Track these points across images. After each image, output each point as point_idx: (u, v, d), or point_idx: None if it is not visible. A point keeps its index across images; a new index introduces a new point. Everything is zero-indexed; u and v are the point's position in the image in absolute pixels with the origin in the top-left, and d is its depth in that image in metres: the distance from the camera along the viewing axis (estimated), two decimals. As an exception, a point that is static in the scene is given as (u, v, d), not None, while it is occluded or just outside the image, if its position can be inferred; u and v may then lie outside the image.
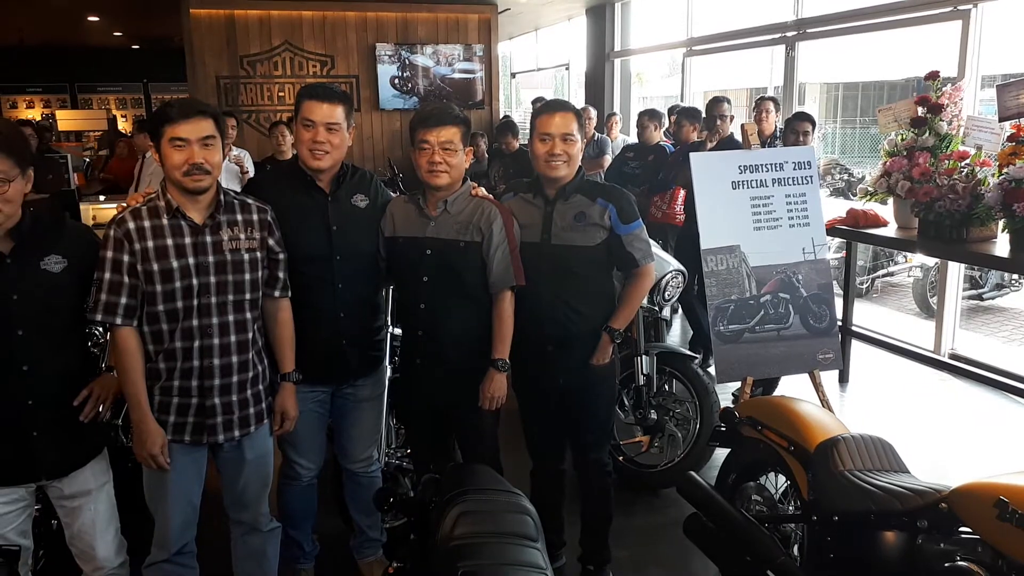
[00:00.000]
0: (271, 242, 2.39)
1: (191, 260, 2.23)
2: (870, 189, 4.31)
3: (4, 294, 2.06)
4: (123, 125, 15.32)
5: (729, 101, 5.46)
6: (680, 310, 5.96)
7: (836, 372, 4.82)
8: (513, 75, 14.70)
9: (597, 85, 9.82)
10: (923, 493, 2.04)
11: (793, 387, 4.40)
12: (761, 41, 7.24)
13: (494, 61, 9.06)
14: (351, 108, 2.58)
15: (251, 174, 5.90)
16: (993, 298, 7.24)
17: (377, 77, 8.56)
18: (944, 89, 4.04)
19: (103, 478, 2.33)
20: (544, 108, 2.71)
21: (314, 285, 2.54)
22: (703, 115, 5.79)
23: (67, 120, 15.72)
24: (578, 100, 10.12)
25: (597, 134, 7.60)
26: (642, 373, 3.58)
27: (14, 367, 2.10)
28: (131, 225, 2.20)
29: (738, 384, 4.15)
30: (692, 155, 4.12)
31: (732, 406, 2.86)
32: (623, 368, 3.44)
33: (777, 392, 4.53)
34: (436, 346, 2.62)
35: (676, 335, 6.12)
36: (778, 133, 5.45)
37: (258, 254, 2.34)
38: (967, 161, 3.86)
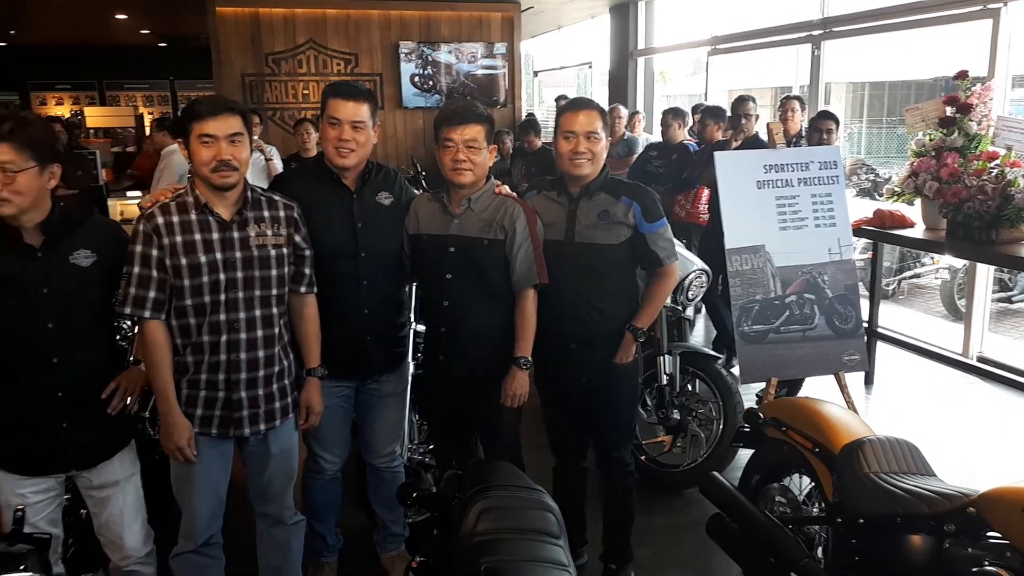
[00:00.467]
0: (297, 239, 2.41)
1: (219, 255, 2.25)
2: (897, 189, 4.27)
3: (34, 287, 2.10)
4: (150, 122, 15.49)
5: (755, 100, 5.41)
6: (704, 309, 5.92)
7: (862, 374, 4.77)
8: (535, 73, 14.69)
9: (620, 83, 9.79)
10: (951, 497, 2.02)
11: (818, 388, 4.35)
12: (786, 40, 7.17)
13: (517, 59, 9.05)
14: (376, 106, 2.59)
15: (274, 161, 5.95)
16: (1023, 301, 7.12)
17: (400, 75, 8.59)
18: (973, 89, 3.98)
19: (131, 469, 2.37)
20: (569, 106, 2.71)
21: (339, 282, 2.56)
22: (728, 114, 5.75)
23: (95, 117, 15.89)
24: (601, 99, 10.09)
25: (627, 133, 7.57)
26: (665, 373, 3.56)
27: (44, 359, 2.14)
28: (160, 220, 2.23)
29: (762, 385, 4.12)
30: (717, 154, 4.10)
31: (756, 407, 2.84)
32: (646, 367, 3.43)
33: (801, 393, 4.48)
34: (459, 343, 2.63)
35: (700, 335, 6.09)
36: (803, 132, 5.40)
37: (284, 250, 2.36)
38: (997, 162, 3.81)
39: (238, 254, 2.27)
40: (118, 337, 2.85)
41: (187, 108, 2.29)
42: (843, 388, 3.88)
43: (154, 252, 2.21)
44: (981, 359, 5.15)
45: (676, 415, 3.60)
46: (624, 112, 7.67)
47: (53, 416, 2.17)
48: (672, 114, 6.34)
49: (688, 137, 6.49)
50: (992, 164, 3.81)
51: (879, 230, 4.46)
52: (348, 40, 8.48)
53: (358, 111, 2.50)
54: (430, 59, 8.62)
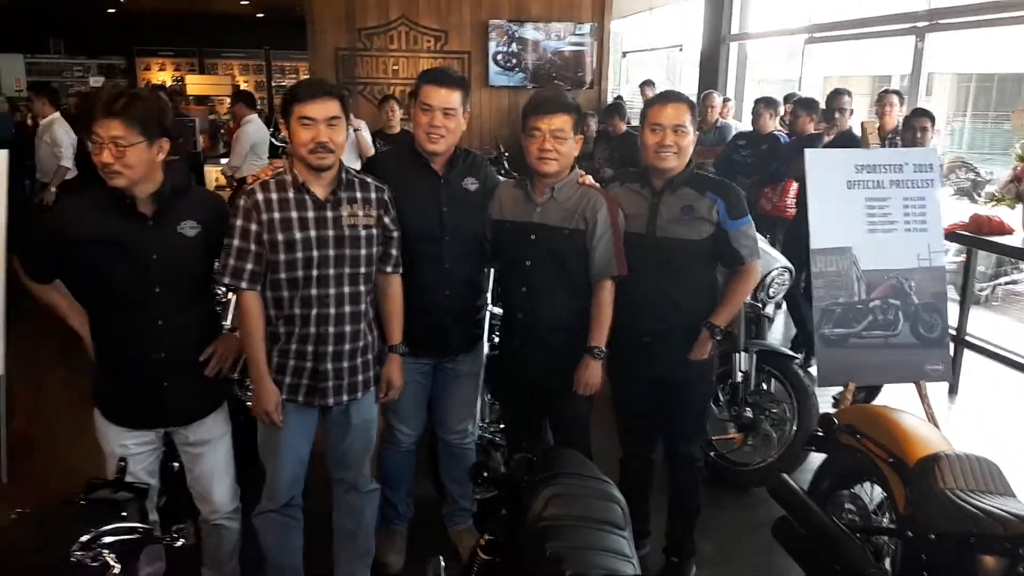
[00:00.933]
0: (386, 220, 2.50)
1: (313, 233, 2.35)
2: (997, 194, 4.09)
3: (146, 254, 2.24)
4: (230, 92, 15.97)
5: (850, 94, 5.23)
6: (784, 306, 5.81)
7: (945, 384, 4.61)
8: (624, 54, 14.49)
9: (711, 68, 9.55)
10: (1030, 520, 1.97)
11: (897, 397, 4.24)
12: (888, 31, 6.88)
13: (606, 39, 8.94)
14: (468, 93, 2.64)
15: (363, 132, 6.08)
16: None
17: (487, 53, 8.61)
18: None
19: (223, 428, 2.51)
20: (657, 98, 2.69)
21: (424, 263, 2.64)
22: (821, 106, 5.58)
23: (195, 85, 16.52)
24: (690, 82, 9.90)
25: (721, 120, 7.43)
26: (740, 370, 3.53)
27: (150, 321, 2.28)
28: (259, 196, 2.34)
29: (839, 388, 4.04)
30: (807, 151, 3.99)
31: (832, 412, 2.81)
32: (721, 363, 3.40)
33: (879, 400, 4.38)
34: (535, 330, 2.67)
35: (779, 332, 5.97)
36: (899, 128, 5.20)
37: (374, 230, 2.45)
38: (1108, 170, 3.61)
39: (331, 232, 2.37)
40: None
41: (290, 90, 2.38)
42: (923, 398, 3.78)
43: (253, 227, 2.32)
44: (1078, 375, 4.90)
45: (749, 413, 3.58)
46: (718, 100, 7.51)
47: (156, 375, 2.32)
48: (764, 103, 6.18)
49: (779, 128, 6.33)
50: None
51: (974, 236, 4.29)
52: (439, 16, 8.54)
53: (450, 98, 2.56)
54: (516, 36, 8.60)
